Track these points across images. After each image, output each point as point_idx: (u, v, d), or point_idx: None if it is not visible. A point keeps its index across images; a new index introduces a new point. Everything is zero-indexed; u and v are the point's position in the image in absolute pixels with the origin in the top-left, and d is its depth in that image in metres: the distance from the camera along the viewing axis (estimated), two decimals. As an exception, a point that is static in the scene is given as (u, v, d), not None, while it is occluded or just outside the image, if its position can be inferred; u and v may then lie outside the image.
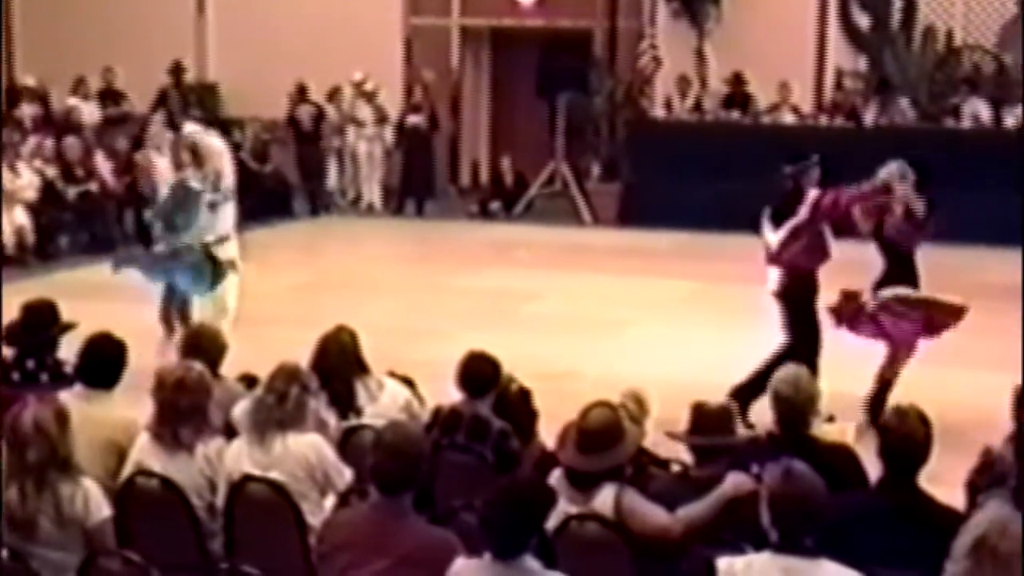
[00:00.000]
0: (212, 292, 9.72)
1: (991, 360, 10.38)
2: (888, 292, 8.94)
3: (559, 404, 6.41)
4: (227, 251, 9.80)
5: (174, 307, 9.85)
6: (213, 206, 9.64)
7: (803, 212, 8.88)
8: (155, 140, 12.43)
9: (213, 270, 9.66)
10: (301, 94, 19.02)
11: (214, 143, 9.92)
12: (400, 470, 4.93)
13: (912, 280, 9.01)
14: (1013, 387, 5.73)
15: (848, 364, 9.09)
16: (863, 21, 18.43)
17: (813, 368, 8.38)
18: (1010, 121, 16.97)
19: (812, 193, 8.93)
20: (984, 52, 18.02)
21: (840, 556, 4.50)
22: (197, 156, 9.69)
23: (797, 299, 8.97)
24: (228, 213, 9.82)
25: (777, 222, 9.02)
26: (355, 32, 19.16)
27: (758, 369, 8.67)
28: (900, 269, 8.96)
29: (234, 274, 9.78)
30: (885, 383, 9.02)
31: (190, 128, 10.16)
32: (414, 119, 18.69)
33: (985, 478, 4.99)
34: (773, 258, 8.99)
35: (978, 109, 17.14)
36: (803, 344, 8.83)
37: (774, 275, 9.02)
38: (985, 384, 8.86)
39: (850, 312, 8.96)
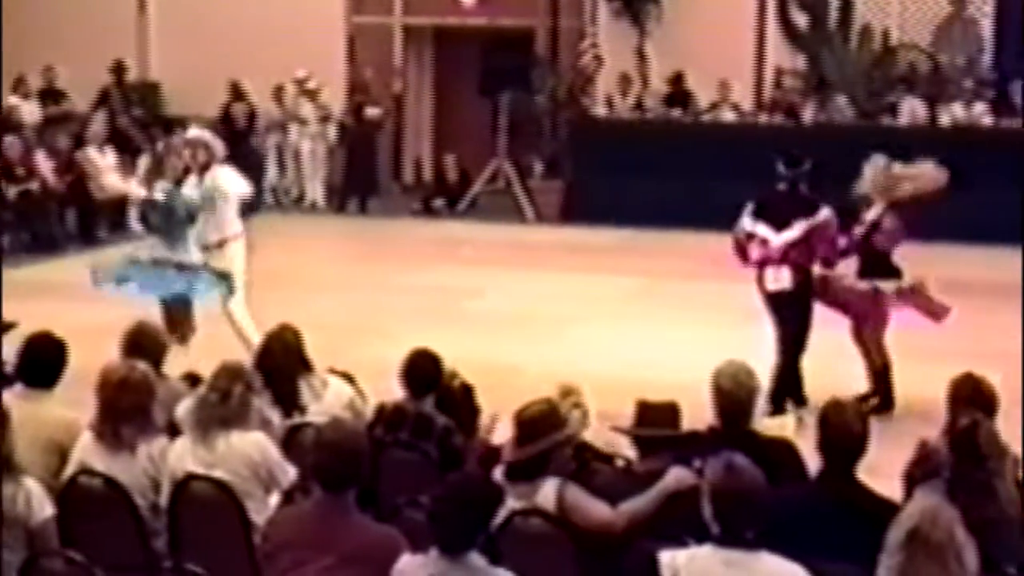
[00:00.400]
0: (226, 298, 9.60)
1: (927, 352, 10.51)
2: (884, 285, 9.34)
3: (502, 401, 6.44)
4: (224, 257, 9.68)
5: (176, 312, 9.52)
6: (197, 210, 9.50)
7: (799, 231, 8.99)
8: (96, 139, 12.28)
9: (218, 279, 9.54)
10: (236, 93, 18.93)
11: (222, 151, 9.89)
12: (342, 467, 4.93)
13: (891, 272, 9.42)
14: (949, 380, 5.81)
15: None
16: (801, 20, 18.54)
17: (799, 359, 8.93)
18: (945, 119, 17.14)
19: (824, 214, 9.05)
20: (919, 51, 18.20)
21: (780, 548, 4.54)
22: (198, 159, 9.64)
23: (805, 295, 9.15)
24: (225, 216, 9.74)
25: (765, 219, 9.11)
26: (297, 30, 19.06)
27: (779, 370, 9.03)
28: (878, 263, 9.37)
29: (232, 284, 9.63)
30: (884, 367, 9.43)
31: (196, 131, 10.02)
32: (372, 111, 18.65)
33: (922, 470, 5.06)
34: (781, 258, 9.02)
35: (915, 107, 17.31)
36: (804, 334, 9.15)
37: (782, 274, 9.03)
38: (922, 376, 8.98)
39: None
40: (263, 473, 5.77)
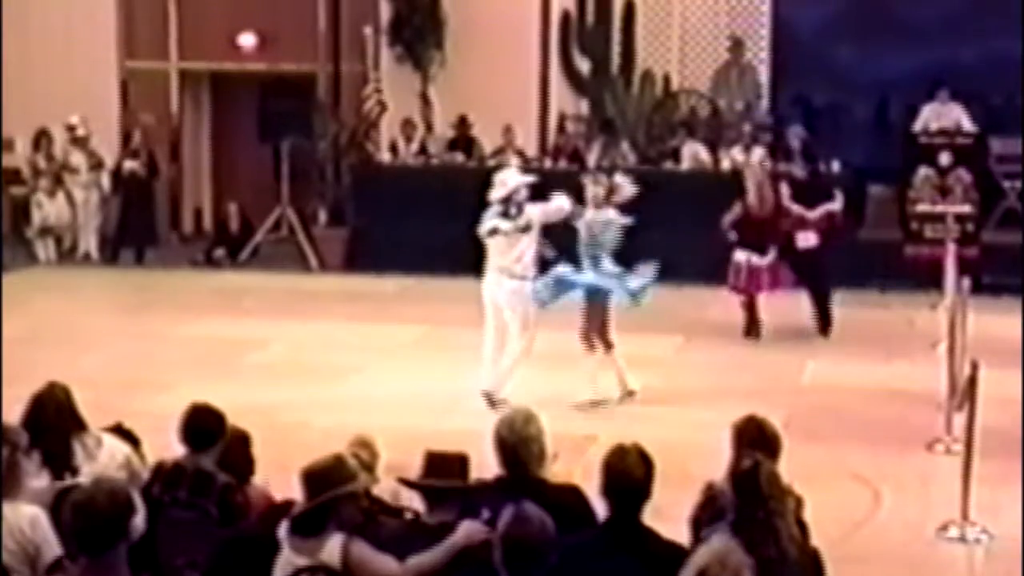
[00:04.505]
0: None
1: (710, 396, 10.68)
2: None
3: (289, 456, 6.26)
4: None
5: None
6: None
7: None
8: None
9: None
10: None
11: None
12: (99, 530, 4.71)
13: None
14: (732, 422, 5.86)
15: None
16: (584, 65, 18.81)
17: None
18: (725, 164, 17.51)
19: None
20: (700, 96, 18.62)
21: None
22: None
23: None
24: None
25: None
26: (68, 75, 18.55)
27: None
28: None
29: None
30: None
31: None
32: (131, 165, 18.21)
33: (708, 512, 5.07)
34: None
35: (697, 151, 17.65)
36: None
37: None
38: (705, 420, 9.11)
39: None
40: (31, 549, 5.47)
